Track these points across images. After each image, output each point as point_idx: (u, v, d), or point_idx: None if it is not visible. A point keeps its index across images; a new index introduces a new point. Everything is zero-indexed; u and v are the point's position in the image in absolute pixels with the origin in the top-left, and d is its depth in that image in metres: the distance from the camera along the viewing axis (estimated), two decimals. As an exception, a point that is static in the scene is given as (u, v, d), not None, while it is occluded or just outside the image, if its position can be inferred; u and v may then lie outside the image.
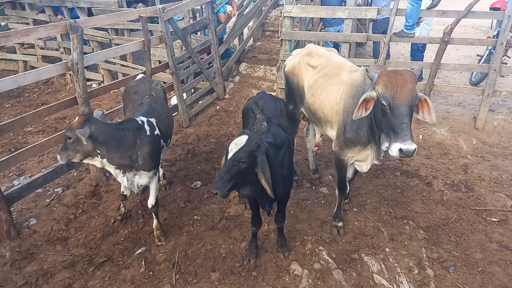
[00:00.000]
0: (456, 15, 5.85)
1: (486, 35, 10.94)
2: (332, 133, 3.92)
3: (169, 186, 4.99)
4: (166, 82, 6.83)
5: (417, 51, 7.87)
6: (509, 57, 7.50)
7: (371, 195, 4.75)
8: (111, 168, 3.58)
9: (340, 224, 4.11)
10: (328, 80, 3.84)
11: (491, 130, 6.26)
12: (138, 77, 4.78)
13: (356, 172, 4.26)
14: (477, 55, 8.60)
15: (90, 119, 3.38)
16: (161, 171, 4.91)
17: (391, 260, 3.73)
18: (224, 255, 3.87)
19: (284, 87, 4.83)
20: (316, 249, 3.87)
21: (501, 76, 8.22)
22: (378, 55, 6.79)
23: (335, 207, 4.16)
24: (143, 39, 5.63)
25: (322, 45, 6.81)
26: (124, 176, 3.67)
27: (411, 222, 4.27)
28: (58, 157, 3.37)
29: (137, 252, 3.86)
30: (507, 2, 5.65)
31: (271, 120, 3.56)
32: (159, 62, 7.71)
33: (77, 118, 3.36)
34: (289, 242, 3.96)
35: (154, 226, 4.04)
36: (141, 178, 3.75)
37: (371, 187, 4.93)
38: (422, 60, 7.58)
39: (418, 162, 5.52)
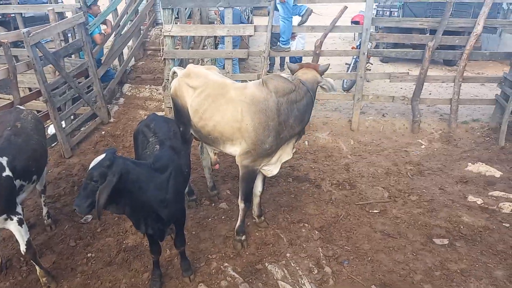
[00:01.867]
0: (323, 29, 6.46)
1: (351, 45, 12.29)
2: (233, 149, 3.99)
3: (54, 225, 4.53)
4: (40, 111, 6.21)
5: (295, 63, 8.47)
6: (372, 64, 8.52)
7: (268, 204, 4.93)
8: None
9: (243, 237, 4.18)
10: (216, 101, 3.92)
11: (364, 131, 7.01)
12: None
13: (264, 180, 4.41)
14: (346, 63, 9.58)
15: None
16: (44, 209, 4.45)
17: (292, 264, 3.91)
18: (124, 290, 3.63)
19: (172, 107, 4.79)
20: (222, 267, 3.88)
21: (367, 81, 9.28)
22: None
23: (238, 221, 4.21)
24: (7, 66, 5.06)
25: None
26: None
27: (307, 225, 4.54)
28: None
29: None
30: (364, 17, 6.44)
31: (163, 142, 3.47)
32: (29, 89, 6.99)
33: None
34: (194, 264, 3.90)
35: (38, 273, 3.62)
36: None
37: (268, 195, 5.12)
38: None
39: (307, 166, 5.91)
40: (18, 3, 8.47)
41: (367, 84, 9.19)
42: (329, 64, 4.22)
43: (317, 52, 6.47)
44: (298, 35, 8.59)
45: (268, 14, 6.42)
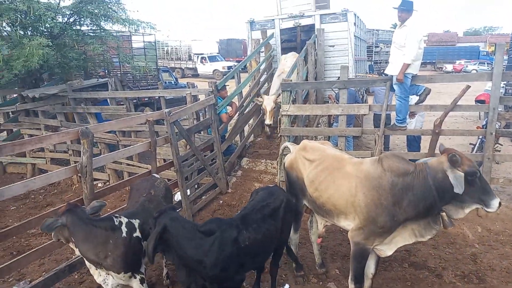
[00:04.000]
0: (443, 108, 6.25)
1: (475, 124, 11.46)
2: (346, 223, 4.03)
3: (172, 286, 4.86)
4: (170, 179, 7.01)
5: (413, 141, 8.18)
6: (501, 145, 7.80)
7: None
8: (85, 259, 3.66)
9: None
10: (332, 174, 4.08)
11: (495, 218, 6.26)
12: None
13: (378, 262, 4.24)
14: (470, 143, 8.93)
15: (73, 209, 3.54)
16: (164, 270, 4.83)
17: None
18: None
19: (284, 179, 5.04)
20: None
21: (496, 163, 8.44)
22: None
23: None
24: (149, 140, 5.95)
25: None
26: (96, 270, 3.71)
27: (426, 318, 4.09)
28: (43, 225, 3.45)
29: None
30: (491, 95, 6.09)
31: (241, 212, 3.93)
32: (164, 160, 7.99)
33: (65, 205, 3.60)
34: None
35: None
36: (114, 278, 3.71)
37: (380, 280, 4.79)
38: (418, 151, 7.85)
39: (425, 252, 5.43)
40: (163, 88, 10.07)
41: (496, 167, 8.36)
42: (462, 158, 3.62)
43: (437, 131, 6.22)
44: (417, 114, 8.39)
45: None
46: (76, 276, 5.18)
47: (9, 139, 9.97)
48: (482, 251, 5.42)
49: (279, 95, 6.81)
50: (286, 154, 4.98)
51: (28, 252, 4.54)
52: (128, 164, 8.32)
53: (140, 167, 7.98)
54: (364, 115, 8.73)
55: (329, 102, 9.18)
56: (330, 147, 4.66)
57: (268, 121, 8.09)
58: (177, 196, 7.05)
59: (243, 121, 8.92)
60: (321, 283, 4.83)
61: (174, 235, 3.27)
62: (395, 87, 6.31)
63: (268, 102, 8.01)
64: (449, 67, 37.86)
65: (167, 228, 3.23)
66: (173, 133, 6.22)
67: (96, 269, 3.69)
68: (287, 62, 8.83)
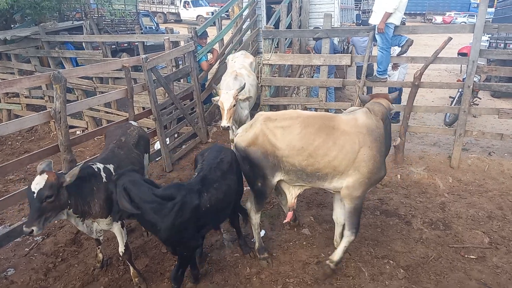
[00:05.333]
0: (424, 60, 6.23)
1: (458, 77, 11.53)
2: (338, 183, 3.90)
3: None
4: (149, 128, 6.96)
5: (395, 94, 8.24)
6: (480, 99, 7.91)
7: (352, 235, 4.81)
8: (72, 218, 3.55)
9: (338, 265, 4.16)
10: (330, 134, 3.81)
11: (466, 169, 6.48)
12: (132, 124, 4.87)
13: None
14: (450, 97, 9.03)
15: (50, 170, 3.33)
16: None
17: (372, 300, 3.75)
18: (206, 300, 3.83)
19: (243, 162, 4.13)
20: (299, 292, 3.88)
21: (473, 116, 8.61)
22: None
23: (341, 254, 4.09)
24: (127, 87, 5.81)
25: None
26: (83, 224, 3.69)
27: (392, 261, 4.32)
28: (31, 229, 3.02)
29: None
30: (471, 48, 6.07)
31: (199, 173, 3.80)
32: (143, 108, 7.87)
33: (43, 175, 3.19)
34: (271, 285, 3.96)
35: (131, 273, 4.01)
36: (99, 225, 3.76)
37: (352, 227, 5.00)
38: (399, 103, 7.92)
39: (397, 201, 5.65)
40: (142, 33, 9.70)
41: (473, 120, 8.54)
42: (399, 92, 4.37)
43: (416, 83, 6.24)
44: (400, 66, 8.37)
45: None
46: (56, 222, 5.25)
47: (-18, 83, 9.61)
48: (451, 200, 5.65)
49: (240, 90, 5.62)
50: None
51: (5, 197, 4.55)
52: (106, 112, 8.18)
53: (118, 114, 7.87)
54: (348, 66, 8.69)
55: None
56: (298, 111, 4.35)
57: (224, 122, 5.53)
58: (157, 145, 7.04)
59: (224, 70, 8.73)
60: (295, 229, 5.01)
61: (132, 197, 3.23)
62: (377, 37, 6.21)
63: (226, 98, 5.53)
64: (438, 19, 37.31)
65: (125, 190, 3.21)
66: (151, 80, 6.08)
67: (83, 223, 3.67)
68: (235, 63, 7.05)
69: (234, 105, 5.60)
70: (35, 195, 3.09)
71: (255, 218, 4.30)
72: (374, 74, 6.59)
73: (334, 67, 8.45)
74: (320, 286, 3.99)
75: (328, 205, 5.49)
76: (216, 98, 5.75)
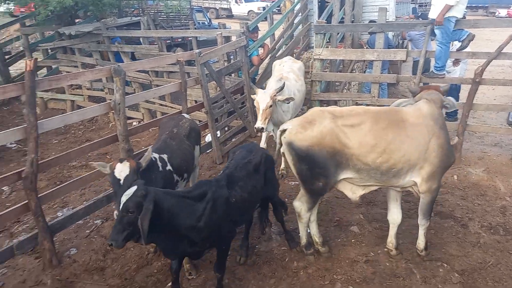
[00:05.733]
0: (486, 56, 5.89)
1: (523, 74, 10.77)
2: (407, 179, 3.85)
3: None
4: (201, 121, 7.15)
5: (453, 90, 7.81)
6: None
7: (404, 236, 4.67)
8: None
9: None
10: (401, 128, 3.72)
11: (531, 172, 6.07)
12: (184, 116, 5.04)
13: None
14: (514, 95, 8.48)
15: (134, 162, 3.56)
16: None
17: (423, 303, 3.64)
18: (253, 291, 3.90)
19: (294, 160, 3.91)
20: (346, 290, 3.85)
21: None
22: None
23: (424, 238, 4.24)
24: (181, 81, 6.00)
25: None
26: None
27: (445, 265, 4.17)
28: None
29: (169, 284, 3.96)
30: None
31: (224, 171, 3.83)
32: (195, 101, 8.09)
33: (124, 162, 3.43)
34: (318, 280, 3.96)
35: (184, 260, 4.16)
36: None
37: (404, 227, 4.85)
38: (457, 100, 7.55)
39: (453, 203, 5.41)
40: (195, 29, 9.95)
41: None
42: (449, 85, 4.26)
43: (477, 80, 5.91)
44: (461, 61, 7.94)
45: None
46: (113, 206, 5.55)
47: (49, 75, 10.32)
48: (512, 204, 5.33)
49: (279, 90, 5.34)
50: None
51: (69, 182, 4.89)
52: (161, 105, 8.50)
53: (172, 107, 8.14)
54: (402, 61, 8.41)
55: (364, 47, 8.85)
56: (363, 106, 4.21)
57: (259, 123, 5.26)
58: (208, 138, 7.22)
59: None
60: (343, 227, 4.95)
61: (166, 207, 3.07)
62: (436, 31, 5.96)
63: (262, 98, 5.28)
64: (502, 12, 34.75)
65: (157, 203, 3.00)
66: (204, 75, 6.24)
67: None
68: (284, 67, 6.65)
69: (271, 106, 5.30)
70: (121, 181, 3.35)
71: (306, 216, 4.17)
72: (431, 70, 6.33)
73: (388, 63, 8.19)
74: (369, 285, 3.93)
75: (378, 204, 5.38)
76: (254, 96, 5.48)
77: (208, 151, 7.16)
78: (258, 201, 4.05)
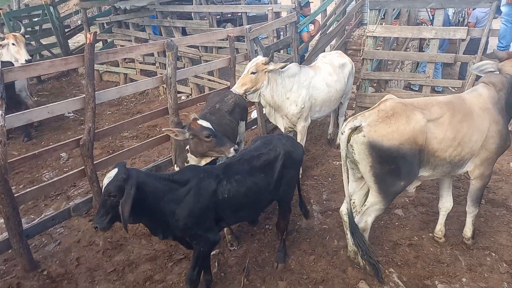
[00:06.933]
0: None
1: None
2: (466, 167, 3.80)
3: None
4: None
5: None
6: None
7: (451, 222, 4.52)
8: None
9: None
10: (471, 118, 3.60)
11: None
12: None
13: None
14: None
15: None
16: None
17: (467, 291, 3.55)
18: (292, 266, 3.98)
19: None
20: (387, 271, 3.82)
21: None
22: (464, 74, 6.49)
23: (471, 225, 4.14)
24: (230, 56, 6.04)
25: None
26: None
27: (494, 254, 4.01)
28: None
29: (212, 253, 4.12)
30: None
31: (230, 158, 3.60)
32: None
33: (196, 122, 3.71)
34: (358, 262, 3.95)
35: (225, 231, 4.29)
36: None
37: (451, 213, 4.67)
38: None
39: (506, 191, 5.14)
40: (246, 4, 9.89)
41: None
42: None
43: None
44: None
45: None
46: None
47: (104, 49, 10.76)
48: None
49: (281, 67, 4.92)
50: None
51: (121, 151, 5.16)
52: (209, 80, 8.62)
53: (220, 83, 8.24)
54: (462, 40, 7.91)
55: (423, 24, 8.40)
56: (433, 98, 3.88)
57: (234, 87, 4.82)
58: (254, 114, 7.27)
59: (324, 42, 8.56)
60: (387, 209, 4.85)
61: (148, 191, 2.96)
62: (503, 9, 5.54)
63: (249, 64, 4.90)
64: None
65: (140, 186, 2.87)
66: (253, 50, 6.23)
67: None
68: (325, 58, 6.06)
69: (254, 73, 4.73)
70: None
71: (371, 221, 3.73)
72: (494, 50, 5.91)
73: (447, 42, 7.75)
74: (410, 268, 3.88)
75: (426, 188, 5.23)
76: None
77: (253, 128, 7.22)
78: (262, 201, 3.63)
